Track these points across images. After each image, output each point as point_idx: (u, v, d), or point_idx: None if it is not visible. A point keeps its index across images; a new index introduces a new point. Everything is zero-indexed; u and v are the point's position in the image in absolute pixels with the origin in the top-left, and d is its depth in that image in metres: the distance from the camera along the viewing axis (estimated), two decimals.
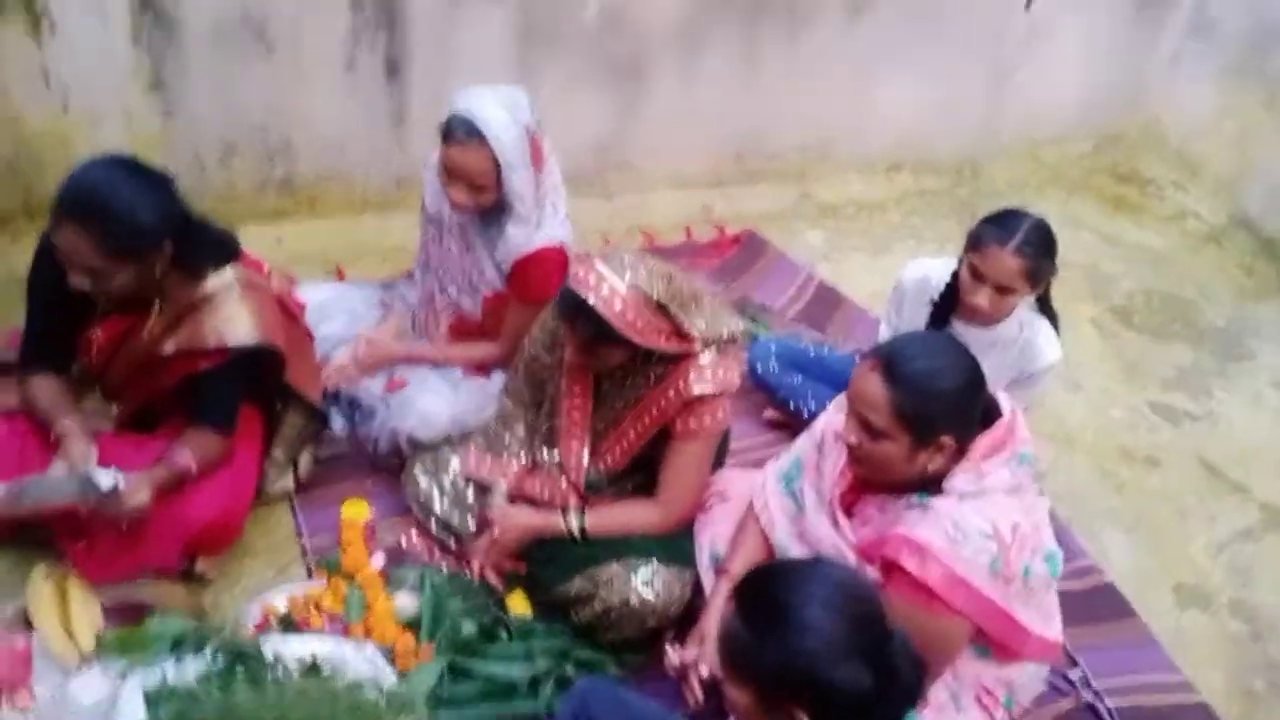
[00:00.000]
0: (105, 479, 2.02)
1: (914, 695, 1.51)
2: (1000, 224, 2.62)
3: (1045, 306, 2.86)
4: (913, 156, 4.67)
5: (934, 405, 1.91)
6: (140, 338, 2.21)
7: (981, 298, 2.64)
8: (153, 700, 1.87)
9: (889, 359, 1.94)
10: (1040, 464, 2.35)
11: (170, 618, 2.08)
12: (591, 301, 2.10)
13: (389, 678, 2.08)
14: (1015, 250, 2.57)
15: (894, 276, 2.98)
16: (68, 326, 2.25)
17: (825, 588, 1.49)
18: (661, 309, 2.15)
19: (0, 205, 3.11)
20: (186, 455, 2.21)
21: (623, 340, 2.15)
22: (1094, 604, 2.75)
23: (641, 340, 2.15)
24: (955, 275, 2.75)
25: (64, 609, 2.12)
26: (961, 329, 2.80)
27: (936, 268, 2.91)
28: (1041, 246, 2.62)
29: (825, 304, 3.78)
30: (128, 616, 2.15)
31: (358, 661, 2.06)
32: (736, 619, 1.50)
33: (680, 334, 2.22)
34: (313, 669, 1.98)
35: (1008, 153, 4.88)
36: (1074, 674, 2.55)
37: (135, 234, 2.04)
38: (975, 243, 2.64)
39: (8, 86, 2.98)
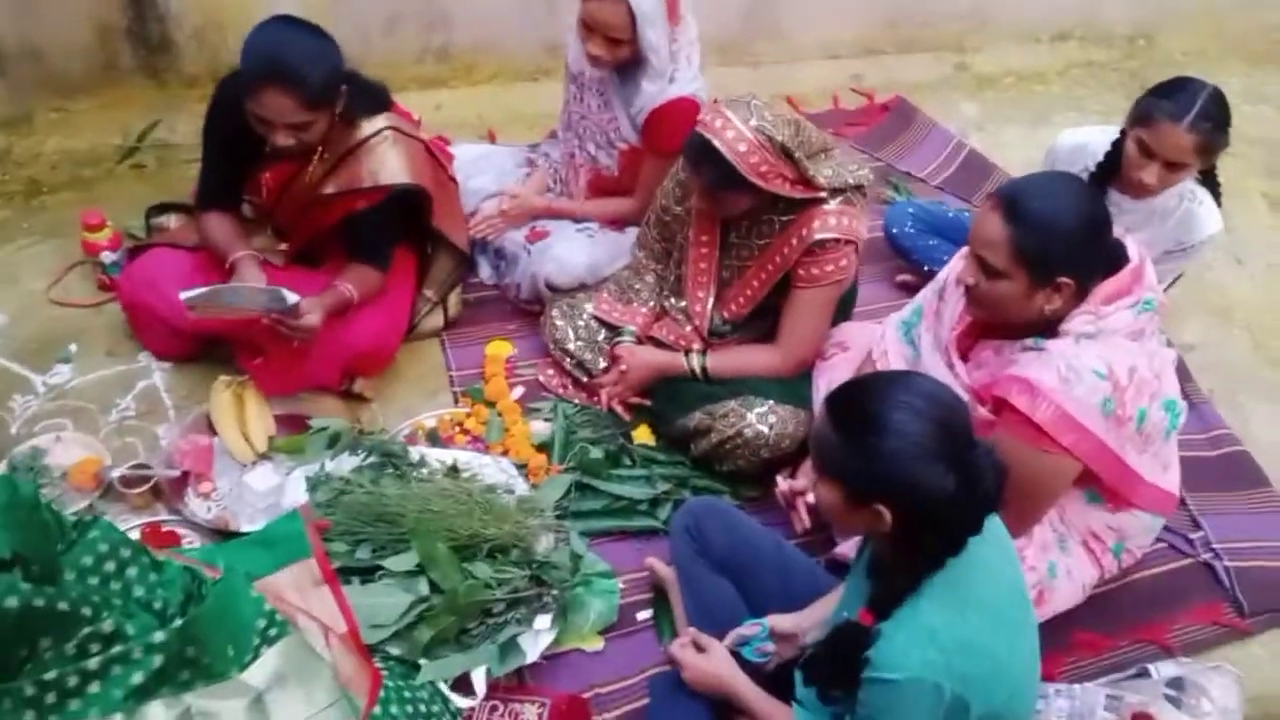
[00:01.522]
0: (290, 295, 2.26)
1: (994, 502, 1.56)
2: (1173, 97, 2.48)
3: (1209, 177, 2.73)
4: (1080, 24, 4.45)
5: (1052, 244, 1.89)
6: (304, 180, 2.43)
7: (1150, 174, 2.53)
8: (312, 486, 2.13)
9: (1010, 198, 1.93)
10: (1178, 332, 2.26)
11: (330, 421, 2.33)
12: (716, 144, 2.17)
13: (522, 487, 2.28)
14: (1190, 126, 2.44)
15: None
16: (239, 170, 2.49)
17: (913, 395, 1.53)
18: (785, 153, 2.20)
19: (190, 70, 3.41)
20: (348, 286, 2.45)
21: (747, 184, 2.21)
22: (1227, 470, 2.70)
23: (764, 184, 2.21)
24: (1115, 145, 2.64)
25: (241, 415, 2.42)
26: (1118, 198, 2.71)
27: (1095, 135, 2.81)
28: (1219, 120, 2.48)
29: (974, 172, 3.69)
30: (295, 425, 2.43)
31: (494, 471, 2.27)
32: (827, 421, 1.57)
33: (805, 180, 2.26)
34: (452, 471, 2.19)
35: (1187, 20, 4.57)
36: (1195, 536, 2.52)
37: (325, 80, 2.23)
38: (1145, 117, 2.51)
39: None
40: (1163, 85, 2.53)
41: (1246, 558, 2.48)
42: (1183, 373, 2.96)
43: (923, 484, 1.48)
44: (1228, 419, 2.85)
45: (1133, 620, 2.35)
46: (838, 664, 1.64)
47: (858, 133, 3.84)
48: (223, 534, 2.22)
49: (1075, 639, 2.28)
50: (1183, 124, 2.44)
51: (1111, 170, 2.64)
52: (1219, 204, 2.71)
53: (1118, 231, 2.07)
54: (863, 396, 1.57)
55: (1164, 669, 2.26)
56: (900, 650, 1.53)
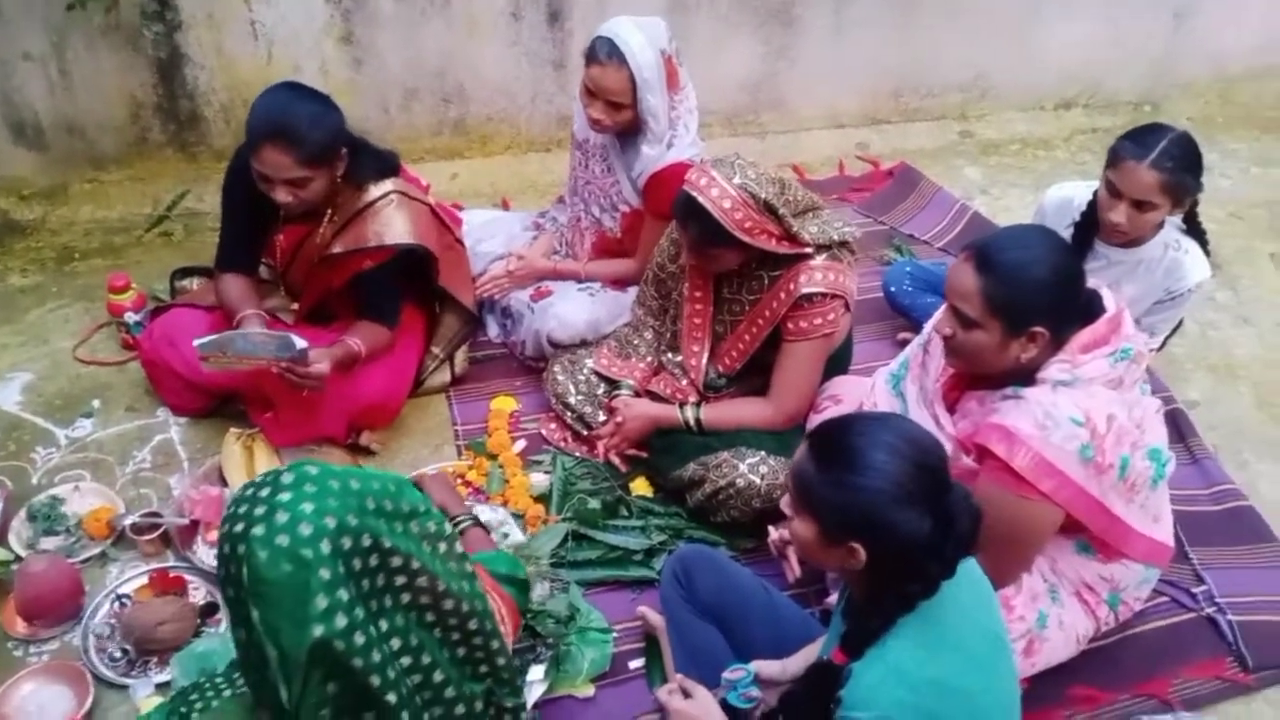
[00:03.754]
0: (298, 340, 2.36)
1: (969, 546, 1.57)
2: (1138, 139, 2.58)
3: (1193, 226, 2.79)
4: (1085, 93, 4.54)
5: (1025, 294, 1.93)
6: (314, 241, 2.56)
7: (1118, 214, 2.61)
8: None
9: (982, 249, 1.98)
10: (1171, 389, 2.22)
11: None
12: (702, 201, 2.26)
13: (519, 536, 2.33)
14: (1152, 164, 2.52)
15: None
16: (255, 233, 2.62)
17: (893, 436, 1.55)
18: (769, 209, 2.28)
19: (218, 144, 3.58)
20: (356, 341, 2.55)
21: (733, 240, 2.29)
22: (1231, 525, 2.68)
23: (750, 239, 2.29)
24: (1096, 195, 2.72)
25: (251, 466, 2.51)
26: (1105, 250, 2.78)
27: (1080, 190, 2.89)
28: (1183, 160, 2.55)
29: (978, 234, 3.69)
30: None
31: (493, 519, 2.32)
32: (808, 457, 1.60)
33: (790, 236, 2.34)
34: None
35: (1193, 89, 4.66)
36: (1199, 590, 2.51)
37: (323, 141, 2.37)
38: (1112, 158, 2.62)
39: (221, 41, 3.43)
40: (1134, 129, 2.63)
41: (1251, 612, 2.46)
42: (1186, 427, 2.97)
43: (898, 525, 1.50)
44: (1234, 476, 2.84)
45: (1132, 675, 2.33)
46: (811, 703, 1.66)
47: (862, 198, 3.92)
48: None
49: (1072, 693, 2.26)
50: (1145, 162, 2.51)
51: (1095, 221, 2.70)
52: (1206, 253, 2.75)
53: (1095, 283, 2.12)
54: (845, 434, 1.60)
55: None
56: (870, 689, 1.54)
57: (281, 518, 1.23)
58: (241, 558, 1.23)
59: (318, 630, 1.23)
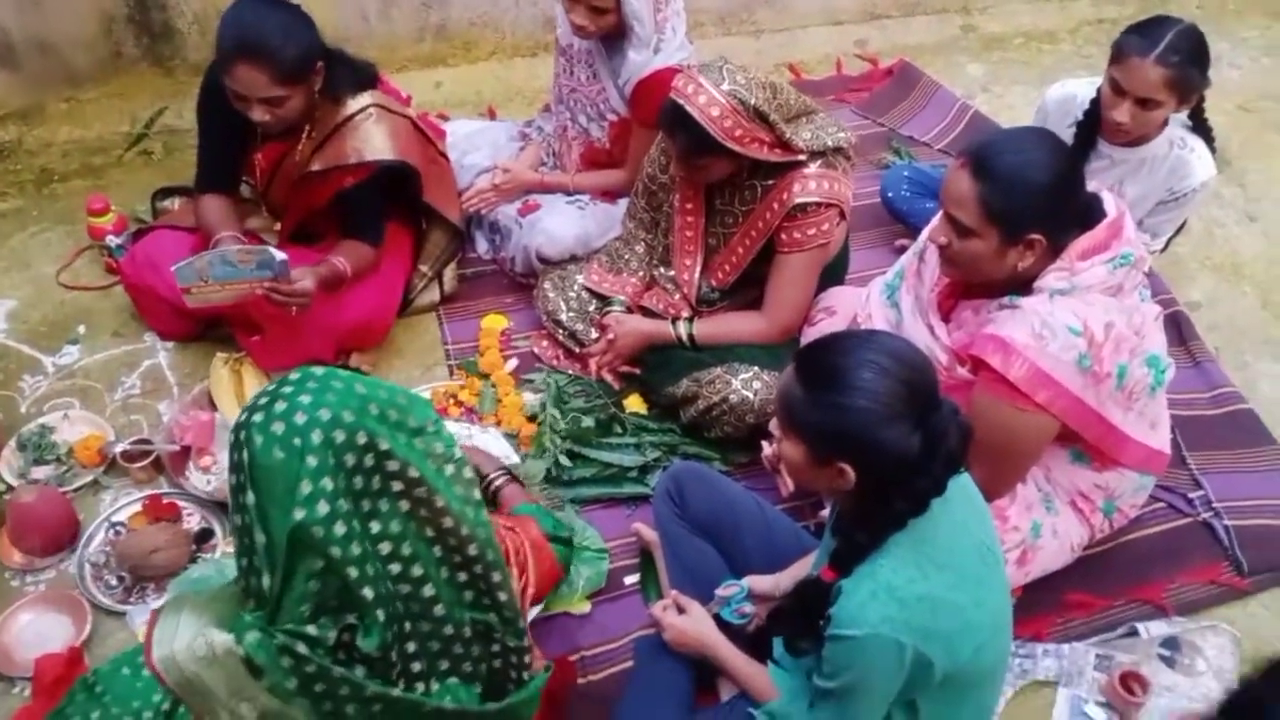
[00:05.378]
0: (277, 254, 2.31)
1: (958, 463, 1.55)
2: (1143, 32, 2.49)
3: (1199, 123, 2.70)
4: None
5: (1022, 200, 1.87)
6: (293, 159, 2.48)
7: (1122, 113, 2.53)
8: None
9: (978, 155, 1.91)
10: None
11: None
12: (688, 109, 2.18)
13: (513, 456, 2.32)
14: (1158, 59, 2.43)
15: None
16: (233, 152, 2.54)
17: (878, 354, 1.52)
18: (760, 116, 2.20)
19: (194, 58, 3.46)
20: (341, 260, 2.50)
21: (722, 149, 2.22)
22: (1230, 429, 2.66)
23: (740, 148, 2.22)
24: (1100, 92, 2.63)
25: (240, 390, 2.49)
26: (1109, 149, 2.71)
27: (1082, 86, 2.80)
28: (1189, 55, 2.46)
29: (979, 135, 3.63)
30: None
31: (486, 440, 2.31)
32: (794, 378, 1.57)
33: (782, 143, 2.26)
34: None
35: None
36: (1195, 495, 2.50)
37: (298, 57, 2.28)
38: (1116, 54, 2.53)
39: None
40: (1138, 22, 2.53)
41: (1247, 516, 2.45)
42: (1188, 330, 2.93)
43: (886, 444, 1.48)
44: (1234, 377, 2.81)
45: (1128, 580, 2.33)
46: (801, 620, 1.67)
47: (860, 98, 3.81)
48: (222, 505, 2.29)
49: (1066, 599, 2.28)
50: (1149, 58, 2.42)
51: (1098, 119, 2.62)
52: (1213, 150, 2.68)
53: (1095, 186, 2.05)
54: (830, 354, 1.57)
55: (1154, 628, 2.26)
56: (859, 606, 1.54)
57: (280, 406, 1.31)
58: (243, 443, 1.31)
59: (299, 514, 1.27)
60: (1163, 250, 2.90)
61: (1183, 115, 2.67)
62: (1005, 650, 1.74)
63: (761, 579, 2.02)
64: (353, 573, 1.32)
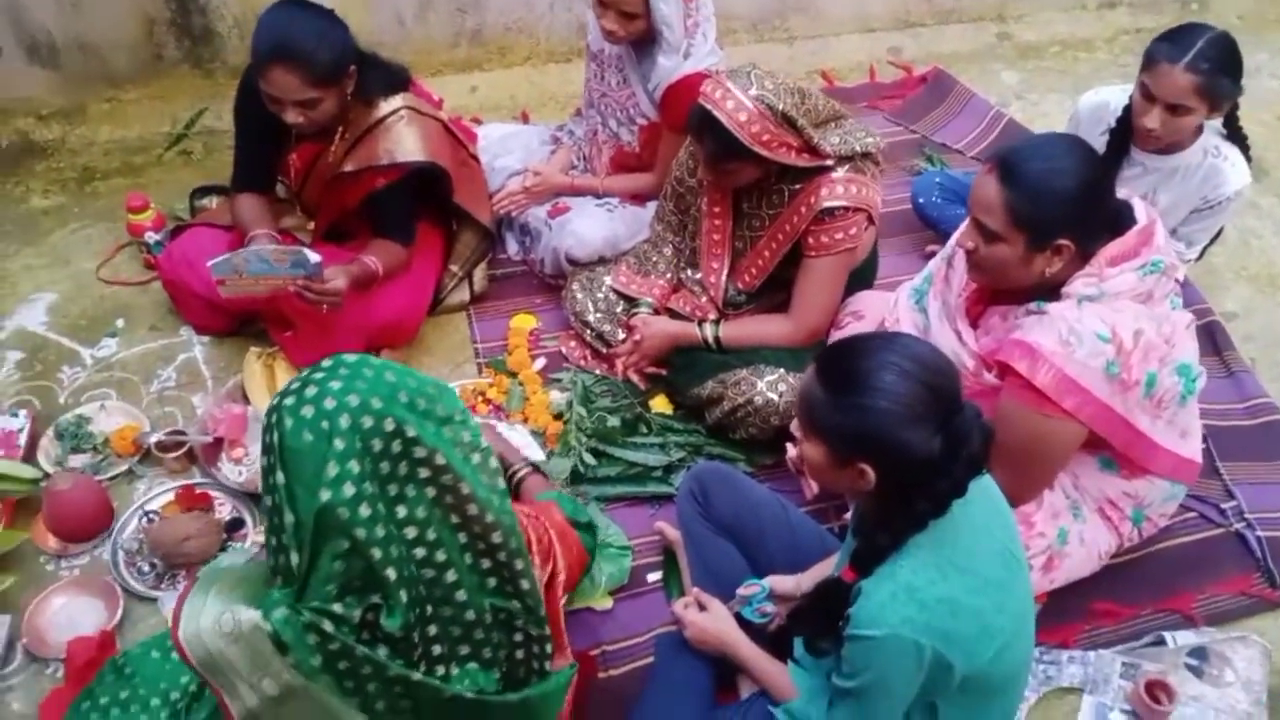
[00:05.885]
0: (312, 254, 2.35)
1: (980, 465, 1.55)
2: (1174, 39, 2.48)
3: (1234, 130, 2.68)
4: None
5: (1049, 206, 1.87)
6: (327, 160, 2.53)
7: (1151, 119, 2.52)
8: None
9: (1006, 160, 1.91)
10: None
11: None
12: (716, 114, 2.19)
13: (539, 454, 2.34)
14: (1187, 66, 2.42)
15: None
16: (267, 153, 2.59)
17: (900, 357, 1.52)
18: (788, 121, 2.21)
19: (234, 60, 3.53)
20: (373, 259, 2.54)
21: (750, 153, 2.22)
22: (1264, 440, 2.63)
23: (767, 153, 2.22)
24: (1131, 99, 2.62)
25: (272, 384, 2.53)
26: (1142, 157, 2.69)
27: (1115, 94, 2.79)
28: (1220, 62, 2.45)
29: (1013, 141, 3.64)
30: None
31: (513, 437, 2.33)
32: (816, 380, 1.58)
33: (810, 148, 2.27)
34: None
35: None
36: (1228, 505, 2.47)
37: (331, 61, 2.32)
38: (1147, 60, 2.52)
39: None
40: (1169, 30, 2.52)
41: None
42: (1223, 340, 2.90)
43: (907, 446, 1.48)
44: (1269, 388, 2.78)
45: (1156, 590, 2.31)
46: (821, 620, 1.67)
47: (893, 105, 3.80)
48: (253, 496, 2.33)
49: (1092, 607, 2.26)
50: (1179, 64, 2.41)
51: (1130, 125, 2.60)
52: (1248, 159, 2.65)
53: (1127, 193, 2.05)
54: (852, 356, 1.57)
55: (1182, 637, 2.23)
56: (879, 607, 1.54)
57: (311, 391, 1.35)
58: (274, 425, 1.34)
59: (325, 495, 1.31)
60: (1198, 259, 2.87)
61: (1217, 123, 2.65)
62: (1027, 655, 1.74)
63: (783, 579, 2.02)
64: (377, 554, 1.34)
